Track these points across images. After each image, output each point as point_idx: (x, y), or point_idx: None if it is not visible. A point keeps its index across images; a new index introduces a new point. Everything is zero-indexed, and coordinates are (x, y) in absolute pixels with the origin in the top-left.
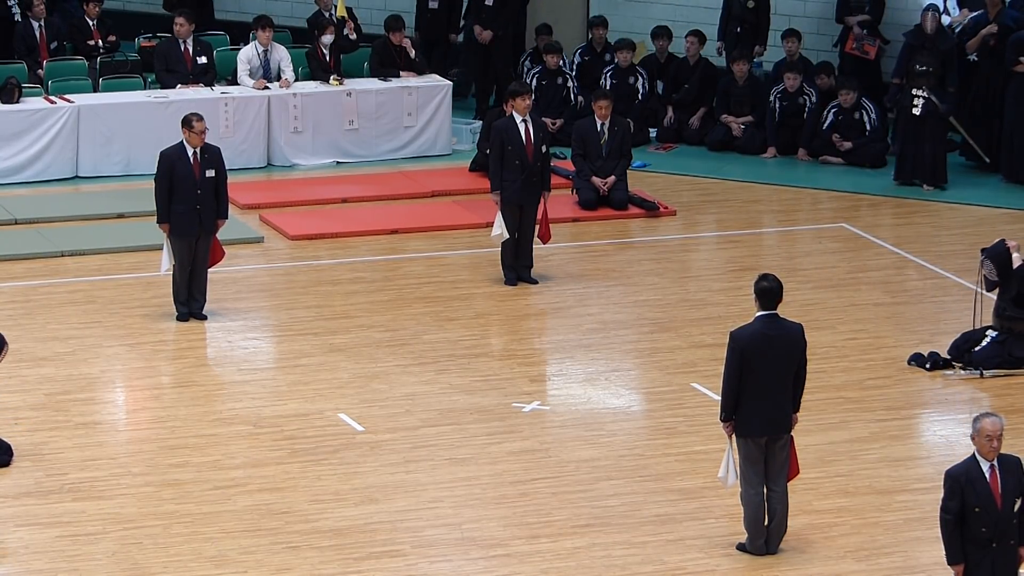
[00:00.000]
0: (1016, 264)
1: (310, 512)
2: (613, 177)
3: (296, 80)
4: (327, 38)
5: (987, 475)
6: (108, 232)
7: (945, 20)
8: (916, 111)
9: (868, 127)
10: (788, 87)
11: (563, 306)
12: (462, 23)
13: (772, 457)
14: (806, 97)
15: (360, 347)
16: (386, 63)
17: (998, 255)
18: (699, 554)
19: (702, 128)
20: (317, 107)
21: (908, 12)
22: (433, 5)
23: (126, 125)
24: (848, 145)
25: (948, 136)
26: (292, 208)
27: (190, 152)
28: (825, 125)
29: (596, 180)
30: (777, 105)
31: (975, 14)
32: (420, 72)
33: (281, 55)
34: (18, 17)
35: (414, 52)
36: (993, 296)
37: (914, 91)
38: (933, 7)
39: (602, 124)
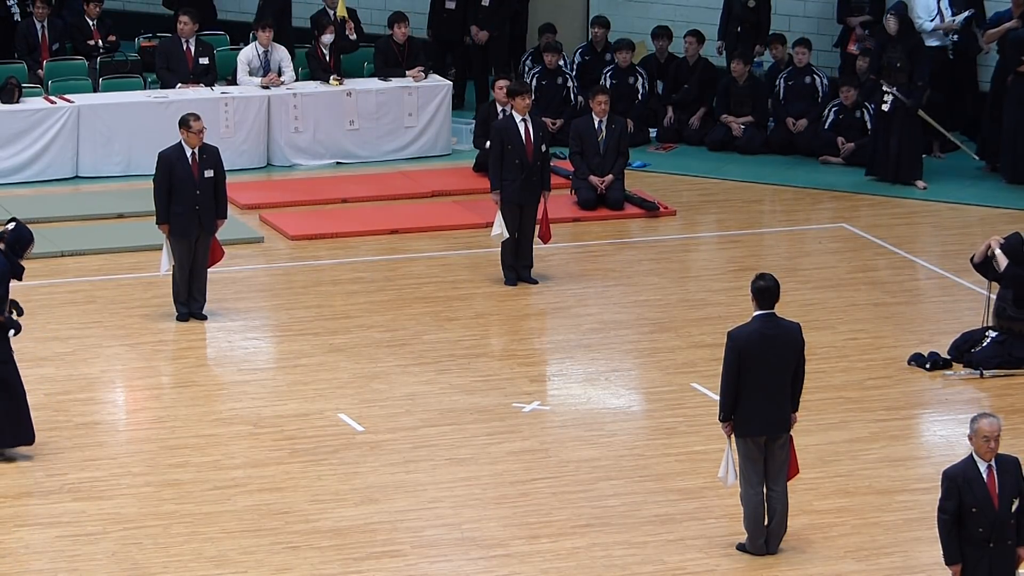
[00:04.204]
0: (1002, 267)
1: (310, 512)
2: (611, 176)
3: (296, 80)
4: (327, 38)
5: (984, 475)
6: (108, 232)
7: (937, 23)
8: (885, 107)
9: (869, 125)
10: (797, 61)
11: (563, 306)
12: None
13: (771, 457)
14: (815, 77)
15: (360, 347)
16: (390, 62)
17: (1012, 248)
18: (699, 554)
19: (702, 128)
20: (317, 107)
21: (909, 12)
22: (450, 5)
23: (126, 125)
24: (851, 147)
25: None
26: (292, 208)
27: (188, 152)
28: (826, 124)
29: (594, 179)
30: (782, 85)
31: (966, 13)
32: (427, 73)
33: (281, 55)
34: (18, 17)
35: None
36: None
37: (884, 88)
38: (893, 10)
39: (600, 121)
